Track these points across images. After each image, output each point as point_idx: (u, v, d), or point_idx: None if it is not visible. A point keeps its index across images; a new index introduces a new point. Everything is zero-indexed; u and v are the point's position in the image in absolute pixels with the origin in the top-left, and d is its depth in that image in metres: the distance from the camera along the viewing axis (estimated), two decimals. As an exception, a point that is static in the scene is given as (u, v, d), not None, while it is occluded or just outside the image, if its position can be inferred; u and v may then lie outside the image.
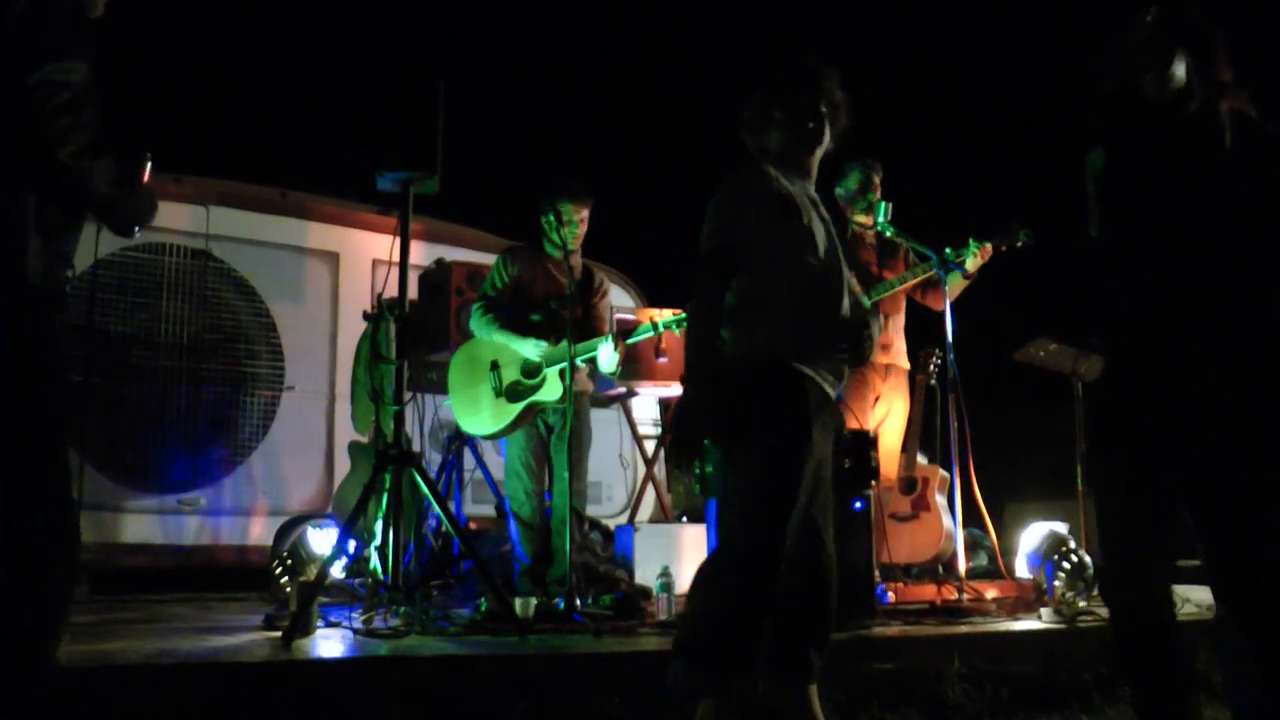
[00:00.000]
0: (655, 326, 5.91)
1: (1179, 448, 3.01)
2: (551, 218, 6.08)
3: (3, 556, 2.65)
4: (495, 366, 6.10)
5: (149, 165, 2.98)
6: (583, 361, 5.90)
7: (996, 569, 6.69)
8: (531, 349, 5.96)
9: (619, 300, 9.02)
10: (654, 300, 9.26)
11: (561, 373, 5.86)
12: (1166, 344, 3.04)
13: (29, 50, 2.64)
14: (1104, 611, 5.38)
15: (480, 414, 6.15)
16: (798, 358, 3.56)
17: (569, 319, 5.71)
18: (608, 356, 5.84)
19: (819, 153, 3.86)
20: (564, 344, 5.75)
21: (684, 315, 5.69)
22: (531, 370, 5.98)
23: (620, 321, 6.29)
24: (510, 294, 6.18)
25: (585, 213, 6.13)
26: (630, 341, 5.95)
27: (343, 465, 7.51)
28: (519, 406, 5.99)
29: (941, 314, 6.32)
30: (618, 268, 9.52)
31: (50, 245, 2.72)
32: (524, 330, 6.01)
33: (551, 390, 5.93)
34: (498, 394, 6.07)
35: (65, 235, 2.80)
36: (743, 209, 3.67)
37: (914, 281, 6.57)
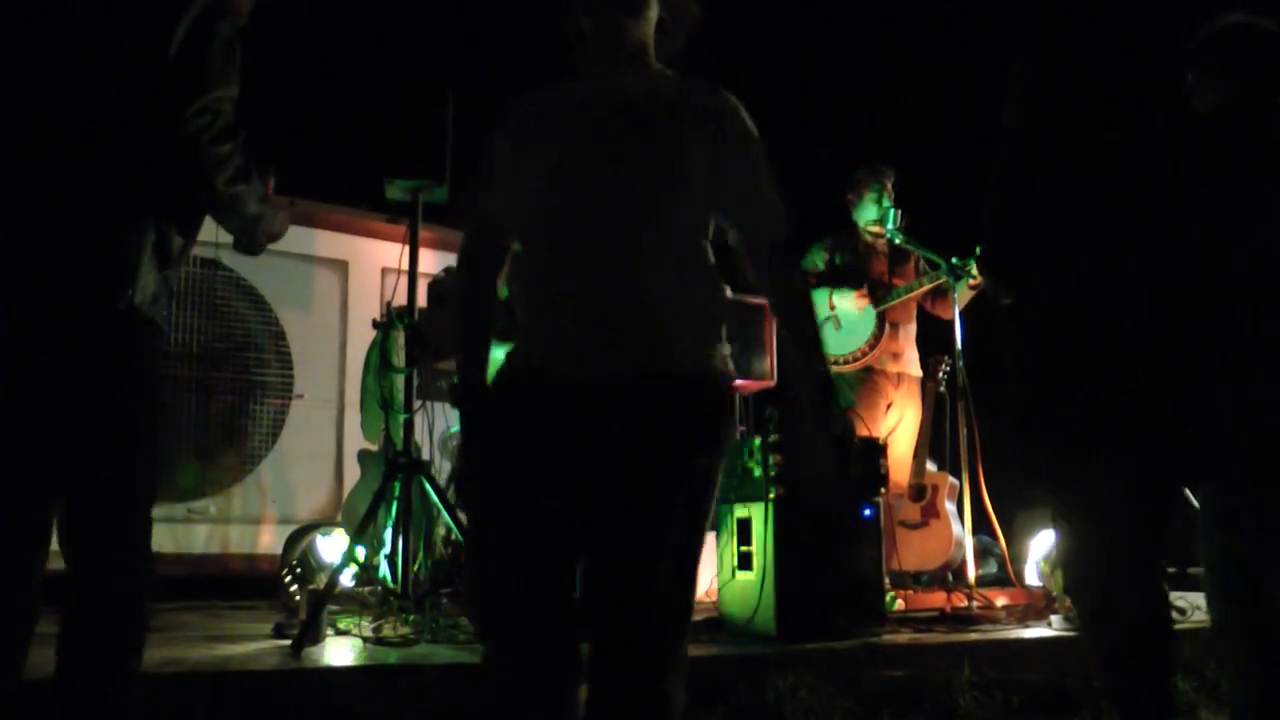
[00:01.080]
0: None
1: (1201, 451, 2.98)
2: None
3: (100, 588, 2.63)
4: None
5: (273, 181, 2.99)
6: None
7: (1006, 576, 6.67)
8: None
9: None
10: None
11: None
12: (1198, 343, 2.99)
13: (188, 77, 2.63)
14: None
15: None
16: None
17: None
18: None
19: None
20: None
21: None
22: None
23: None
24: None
25: None
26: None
27: (352, 473, 7.51)
28: None
29: (951, 322, 6.33)
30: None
31: (163, 274, 2.70)
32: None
33: None
34: None
35: (179, 262, 2.78)
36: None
37: (923, 290, 6.57)
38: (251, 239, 2.96)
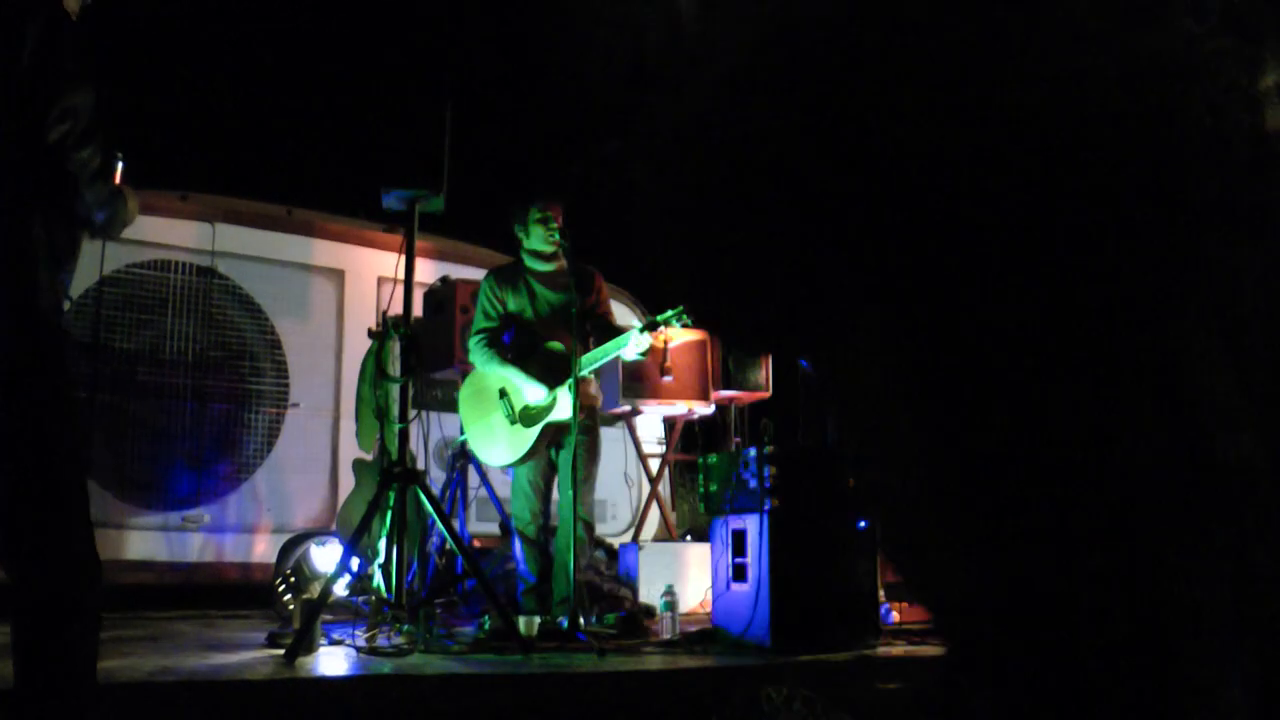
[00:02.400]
0: (652, 324, 5.74)
1: None
2: (526, 224, 6.09)
3: (41, 591, 2.64)
4: (504, 394, 6.02)
5: (120, 167, 3.00)
6: (603, 362, 5.87)
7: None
8: (533, 392, 5.89)
9: (624, 318, 9.02)
10: (657, 313, 9.25)
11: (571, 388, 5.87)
12: None
13: (44, 82, 2.65)
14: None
15: (497, 444, 6.05)
16: None
17: (573, 331, 5.71)
18: (637, 340, 5.73)
19: None
20: (586, 355, 5.77)
21: (675, 312, 5.67)
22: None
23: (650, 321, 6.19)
24: (507, 321, 6.10)
25: (558, 211, 6.07)
26: (660, 319, 5.71)
27: (347, 482, 7.50)
28: (536, 430, 5.89)
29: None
30: (619, 284, 9.53)
31: (57, 277, 2.72)
32: (526, 364, 5.95)
33: (564, 409, 5.80)
34: (512, 420, 5.98)
35: (69, 264, 2.80)
36: None
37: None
38: (108, 229, 2.97)
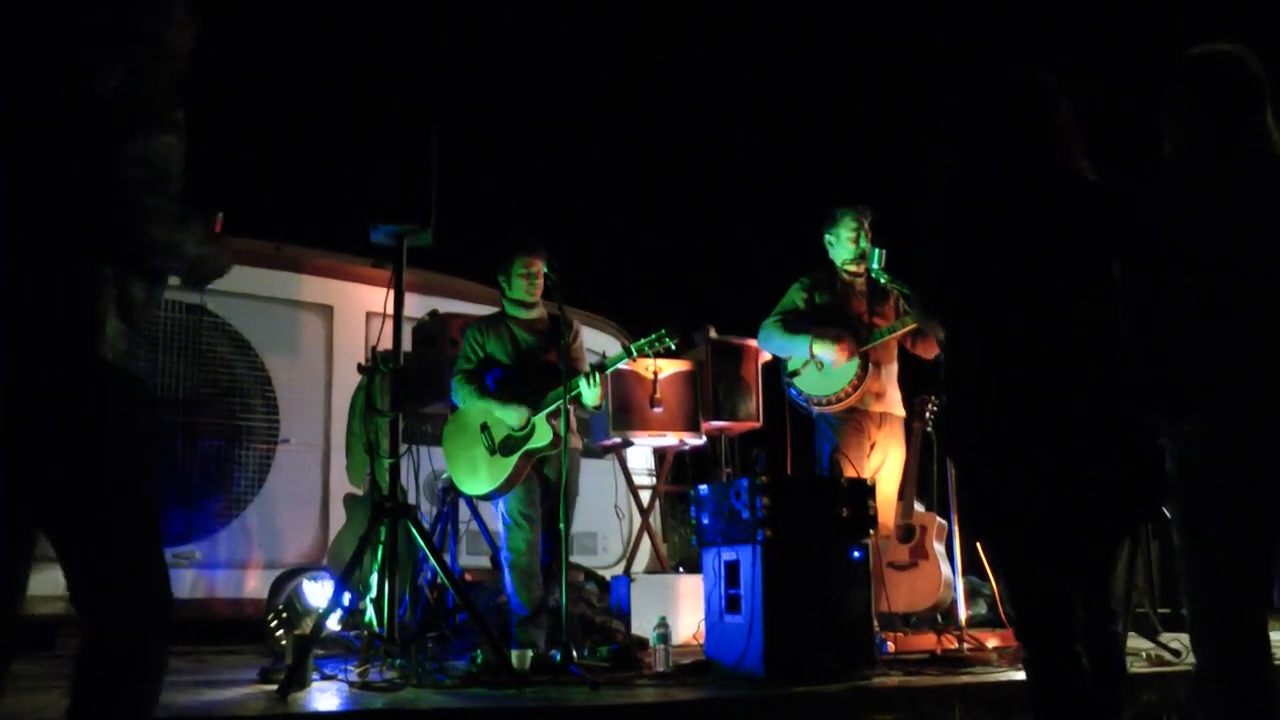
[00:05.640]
0: (629, 351, 6.12)
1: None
2: (510, 276, 6.30)
3: (117, 639, 2.61)
4: (485, 428, 6.12)
5: (220, 219, 3.00)
6: (571, 398, 5.93)
7: (998, 617, 6.64)
8: (513, 415, 6.02)
9: (609, 346, 9.03)
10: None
11: (549, 418, 5.91)
12: None
13: (124, 122, 2.61)
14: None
15: (479, 474, 6.13)
16: None
17: (563, 359, 5.77)
18: (589, 391, 5.99)
19: None
20: (552, 393, 5.87)
21: (655, 335, 6.00)
22: (520, 425, 6.00)
23: (598, 361, 6.30)
24: (487, 364, 6.25)
25: (539, 265, 6.23)
26: (609, 370, 6.16)
27: (338, 518, 7.49)
28: (514, 459, 5.98)
29: (933, 362, 6.32)
30: (604, 313, 9.55)
31: (132, 324, 2.68)
32: (508, 397, 6.07)
33: (542, 436, 5.98)
34: (491, 452, 6.07)
35: (146, 311, 2.76)
36: None
37: (904, 330, 6.53)
38: (195, 280, 2.95)
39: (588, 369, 6.12)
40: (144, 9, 2.79)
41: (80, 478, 2.59)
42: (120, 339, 2.62)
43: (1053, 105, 3.29)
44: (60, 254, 2.59)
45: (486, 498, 6.28)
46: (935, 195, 3.44)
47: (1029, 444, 3.09)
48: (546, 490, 6.10)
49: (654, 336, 5.98)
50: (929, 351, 6.45)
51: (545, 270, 6.14)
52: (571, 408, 5.99)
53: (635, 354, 6.07)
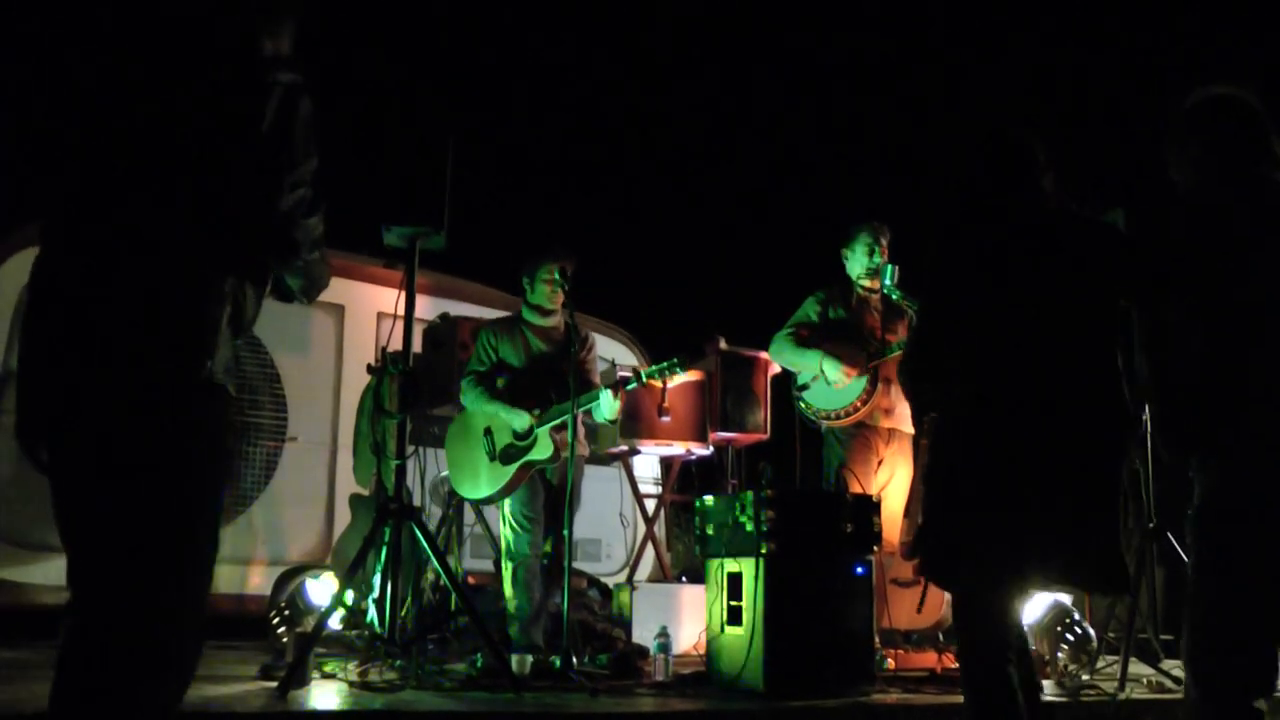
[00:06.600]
0: (639, 377, 5.98)
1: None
2: (534, 279, 6.27)
3: (157, 649, 2.68)
4: (488, 433, 6.13)
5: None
6: (580, 411, 5.92)
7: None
8: (519, 420, 6.00)
9: (622, 358, 9.03)
10: (656, 356, 9.27)
11: (553, 431, 5.89)
12: None
13: (281, 156, 2.65)
14: (1108, 686, 5.35)
15: (477, 479, 6.15)
16: None
17: (572, 374, 5.74)
18: (607, 404, 5.91)
19: None
20: (556, 406, 5.87)
21: (668, 364, 5.89)
22: (523, 433, 5.99)
23: (621, 377, 6.27)
24: (500, 368, 6.25)
25: (566, 267, 6.17)
26: (629, 388, 6.01)
27: (343, 517, 7.49)
28: (513, 468, 5.98)
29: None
30: (620, 324, 9.55)
31: (234, 339, 2.70)
32: (514, 401, 6.06)
33: (543, 449, 5.94)
34: (492, 458, 6.08)
35: (253, 321, 2.78)
36: None
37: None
38: (307, 294, 2.98)
39: (599, 381, 6.09)
40: (289, 35, 2.86)
41: (157, 495, 2.60)
42: (228, 355, 2.65)
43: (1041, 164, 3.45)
44: (187, 266, 2.60)
45: (483, 502, 6.31)
46: (930, 260, 3.59)
47: (1019, 489, 3.27)
48: (549, 494, 6.10)
49: (665, 365, 5.90)
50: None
51: (557, 276, 6.12)
52: (580, 414, 5.98)
53: (644, 380, 5.98)
